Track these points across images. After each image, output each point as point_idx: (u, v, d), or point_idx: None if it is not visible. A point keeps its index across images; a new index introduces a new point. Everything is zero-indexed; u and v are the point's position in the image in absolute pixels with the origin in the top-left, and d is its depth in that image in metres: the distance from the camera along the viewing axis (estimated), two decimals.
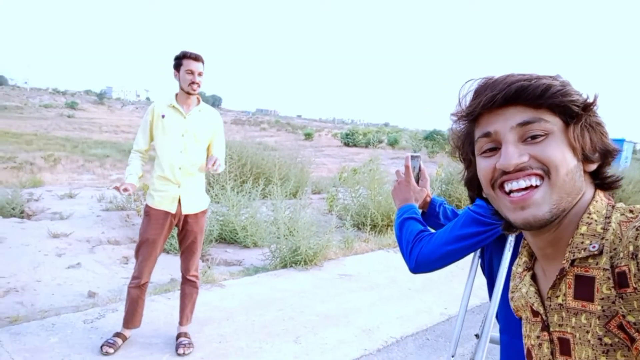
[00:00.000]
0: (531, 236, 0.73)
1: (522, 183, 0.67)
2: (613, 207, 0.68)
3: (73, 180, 11.10)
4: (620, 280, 0.59)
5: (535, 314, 0.74)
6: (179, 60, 2.81)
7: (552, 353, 0.71)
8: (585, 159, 0.70)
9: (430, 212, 1.58)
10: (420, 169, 1.56)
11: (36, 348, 2.85)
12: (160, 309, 3.57)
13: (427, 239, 1.32)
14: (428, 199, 1.58)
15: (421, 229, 1.37)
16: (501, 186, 0.70)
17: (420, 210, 1.49)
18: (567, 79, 0.71)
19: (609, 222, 0.65)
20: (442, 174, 9.06)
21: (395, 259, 5.63)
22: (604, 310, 0.61)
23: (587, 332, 0.64)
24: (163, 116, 2.85)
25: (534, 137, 0.68)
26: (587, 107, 0.69)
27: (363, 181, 7.84)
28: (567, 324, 0.68)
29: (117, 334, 2.95)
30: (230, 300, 3.89)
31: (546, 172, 0.67)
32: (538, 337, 0.74)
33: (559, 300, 0.69)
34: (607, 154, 0.71)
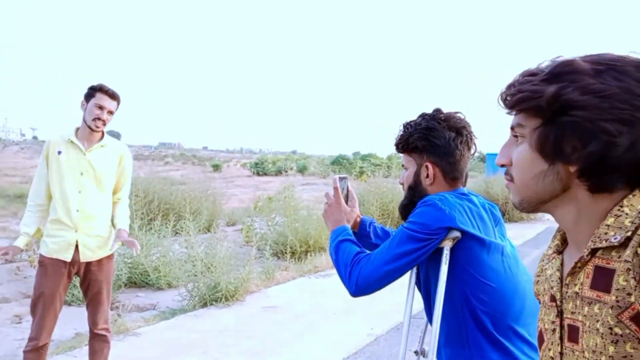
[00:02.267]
0: (558, 222, 0.77)
1: None
2: None
3: None
4: None
5: (552, 298, 0.75)
6: (93, 92, 2.56)
7: (561, 339, 0.72)
8: (564, 161, 0.68)
9: (361, 233, 1.58)
10: (348, 190, 1.56)
11: None
12: None
13: (365, 261, 1.30)
14: (358, 220, 1.58)
15: (357, 250, 1.35)
16: None
17: (352, 232, 1.48)
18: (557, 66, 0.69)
19: None
20: None
21: (317, 284, 5.60)
22: (617, 301, 0.62)
23: (597, 321, 0.64)
24: (59, 153, 2.54)
25: (516, 138, 0.73)
26: (556, 107, 0.67)
27: (279, 209, 7.78)
28: (579, 312, 0.68)
29: None
30: (148, 349, 3.57)
31: (512, 177, 0.74)
32: (553, 322, 0.74)
33: (576, 289, 0.69)
34: (590, 155, 0.66)
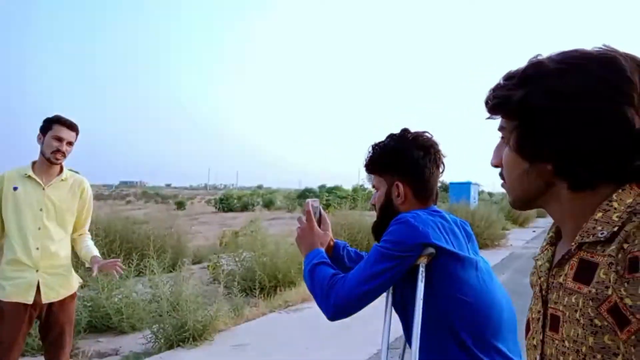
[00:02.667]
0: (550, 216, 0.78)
1: None
2: None
3: None
4: (631, 266, 0.61)
5: (540, 288, 0.77)
6: (49, 124, 2.47)
7: (543, 327, 0.73)
8: (540, 160, 0.71)
9: (335, 256, 1.57)
10: (320, 214, 1.56)
11: None
12: None
13: (341, 282, 1.28)
14: (332, 243, 1.57)
15: (333, 272, 1.33)
16: None
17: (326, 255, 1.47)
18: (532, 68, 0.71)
19: (637, 214, 0.64)
20: None
21: (288, 320, 5.48)
22: (597, 293, 0.63)
23: (576, 311, 0.66)
24: (15, 188, 2.43)
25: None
26: (524, 112, 0.71)
27: (245, 244, 7.65)
28: (560, 302, 0.70)
29: None
30: None
31: (503, 178, 0.78)
32: (539, 311, 0.76)
33: (560, 280, 0.71)
34: (559, 155, 0.69)
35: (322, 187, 35.27)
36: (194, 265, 9.20)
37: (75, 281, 2.62)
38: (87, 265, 2.65)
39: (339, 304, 1.26)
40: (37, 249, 2.42)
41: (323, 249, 1.48)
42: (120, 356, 4.31)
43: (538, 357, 0.74)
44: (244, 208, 31.84)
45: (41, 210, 2.46)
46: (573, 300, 0.67)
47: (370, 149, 1.47)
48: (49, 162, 2.48)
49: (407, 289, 1.34)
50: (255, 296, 6.11)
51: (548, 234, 0.83)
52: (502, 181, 0.79)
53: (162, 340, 4.43)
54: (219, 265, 7.62)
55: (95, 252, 2.62)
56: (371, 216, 12.35)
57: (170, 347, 4.38)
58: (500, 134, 0.78)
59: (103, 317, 5.02)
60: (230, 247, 8.66)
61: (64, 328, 2.51)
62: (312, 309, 5.91)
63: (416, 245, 1.26)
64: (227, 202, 33.55)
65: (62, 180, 2.54)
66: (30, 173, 2.47)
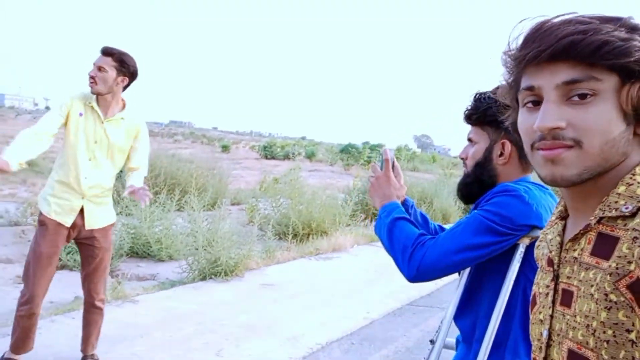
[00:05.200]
0: (564, 189, 0.71)
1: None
2: None
3: None
4: None
5: (549, 262, 0.73)
6: None
7: (553, 302, 0.71)
8: (639, 121, 0.64)
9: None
10: (394, 165, 1.40)
11: None
12: (63, 329, 3.21)
13: (430, 245, 1.17)
14: (402, 199, 1.44)
15: (419, 232, 1.22)
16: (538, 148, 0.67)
17: None
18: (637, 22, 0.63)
19: None
20: (358, 184, 9.30)
21: (317, 266, 5.62)
22: (617, 268, 0.60)
23: (592, 286, 0.63)
24: (81, 114, 2.49)
25: (581, 96, 0.63)
26: None
27: (284, 191, 7.79)
28: (575, 277, 0.67)
29: None
30: (145, 316, 3.61)
31: (577, 143, 0.63)
32: (547, 286, 0.73)
33: (575, 254, 0.68)
34: None
35: (365, 143, 34.94)
36: (232, 206, 9.49)
37: (114, 213, 2.74)
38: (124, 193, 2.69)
39: (424, 267, 1.16)
40: (86, 178, 2.52)
41: (399, 203, 1.34)
42: (157, 281, 4.60)
43: (545, 332, 0.71)
44: (286, 157, 32.19)
45: (96, 142, 2.53)
46: (591, 275, 0.64)
47: (475, 98, 1.29)
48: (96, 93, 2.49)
49: (492, 265, 1.21)
50: (287, 241, 6.28)
51: (557, 208, 0.78)
52: (560, 149, 0.63)
53: (195, 272, 4.67)
54: (256, 209, 7.84)
55: (133, 181, 2.64)
56: (411, 177, 12.15)
57: (203, 279, 4.62)
58: (569, 87, 0.64)
59: (144, 244, 5.32)
60: (269, 193, 8.85)
61: (105, 254, 2.67)
62: (341, 259, 6.03)
63: (526, 226, 1.15)
64: (271, 150, 33.96)
65: (121, 118, 2.58)
66: (94, 104, 2.52)
